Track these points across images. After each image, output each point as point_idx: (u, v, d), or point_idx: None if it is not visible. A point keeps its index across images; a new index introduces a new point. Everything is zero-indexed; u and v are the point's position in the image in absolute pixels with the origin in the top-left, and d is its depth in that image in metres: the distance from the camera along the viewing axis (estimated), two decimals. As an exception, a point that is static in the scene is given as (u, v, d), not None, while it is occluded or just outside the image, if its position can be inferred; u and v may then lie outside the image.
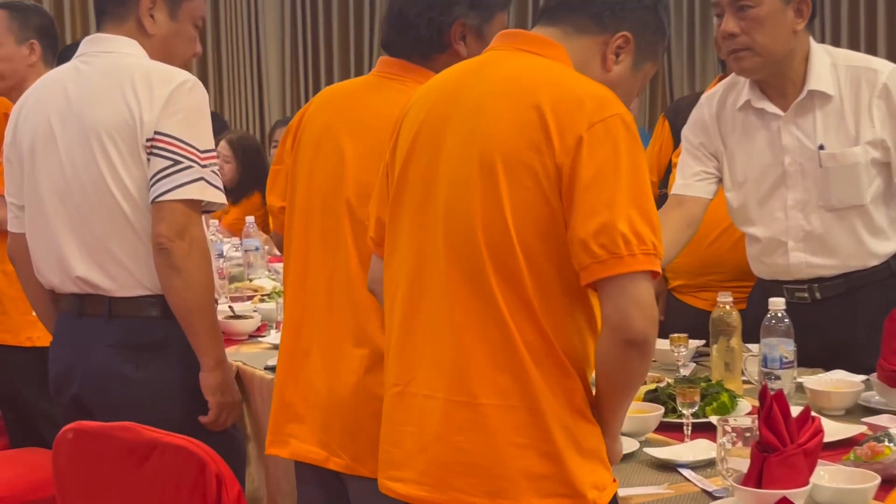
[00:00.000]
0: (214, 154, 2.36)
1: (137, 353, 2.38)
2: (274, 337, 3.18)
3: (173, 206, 2.31)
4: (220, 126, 6.61)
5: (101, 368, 2.38)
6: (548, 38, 1.78)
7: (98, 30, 2.51)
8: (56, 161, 2.41)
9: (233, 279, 4.16)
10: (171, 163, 2.31)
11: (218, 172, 2.37)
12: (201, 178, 2.33)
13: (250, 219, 4.74)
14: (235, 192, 5.65)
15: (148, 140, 2.32)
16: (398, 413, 1.74)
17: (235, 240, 5.09)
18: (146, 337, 2.39)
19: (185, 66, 2.52)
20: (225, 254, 4.52)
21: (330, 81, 8.74)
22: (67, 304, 2.45)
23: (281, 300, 3.55)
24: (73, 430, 2.02)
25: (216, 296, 2.50)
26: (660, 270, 1.64)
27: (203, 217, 2.43)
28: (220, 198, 2.38)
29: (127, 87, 2.35)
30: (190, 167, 2.32)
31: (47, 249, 2.45)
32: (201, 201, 2.35)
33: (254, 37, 8.55)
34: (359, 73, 8.77)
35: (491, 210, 1.65)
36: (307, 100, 8.55)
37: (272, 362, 2.82)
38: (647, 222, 1.61)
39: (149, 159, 2.32)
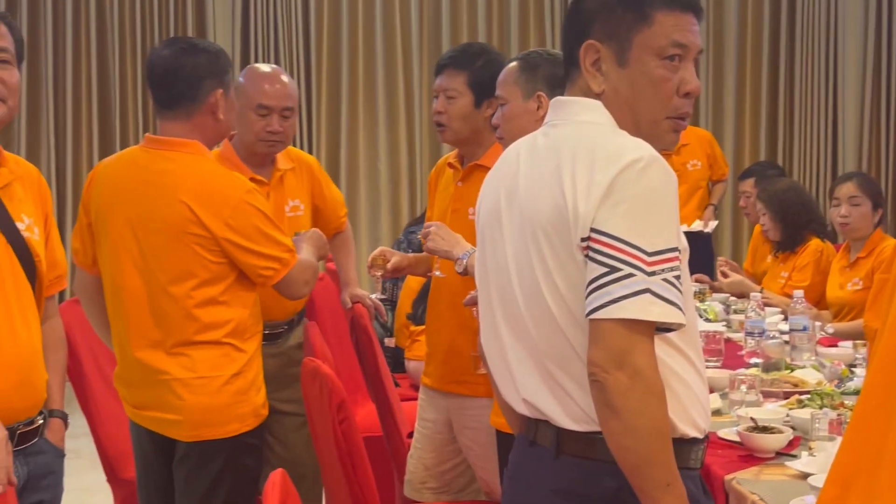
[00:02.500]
0: (671, 256, 1.77)
1: None
2: (806, 461, 2.56)
3: (608, 326, 1.74)
4: (776, 173, 6.05)
5: None
6: None
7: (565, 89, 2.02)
8: (502, 252, 1.98)
9: (769, 367, 3.55)
10: (606, 270, 1.75)
11: (677, 280, 1.77)
12: (646, 290, 1.73)
13: (799, 293, 4.11)
14: (782, 244, 5.26)
15: (583, 239, 1.79)
16: None
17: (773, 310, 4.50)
18: (594, 486, 1.86)
19: (668, 126, 1.93)
20: (767, 331, 3.95)
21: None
22: (524, 425, 2.01)
23: (826, 410, 2.94)
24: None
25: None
26: None
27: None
28: (674, 316, 1.74)
29: (566, 169, 1.83)
30: (631, 275, 1.73)
31: (498, 358, 2.03)
32: (648, 321, 1.76)
33: (830, 80, 7.82)
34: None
35: None
36: (886, 152, 7.91)
37: (797, 504, 2.22)
38: None
39: (586, 263, 1.80)
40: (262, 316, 3.09)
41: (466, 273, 3.02)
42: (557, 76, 2.88)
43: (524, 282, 1.91)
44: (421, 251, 3.72)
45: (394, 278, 3.56)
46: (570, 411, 1.87)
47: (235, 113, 3.07)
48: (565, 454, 1.89)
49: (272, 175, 3.62)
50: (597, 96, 1.93)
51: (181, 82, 2.91)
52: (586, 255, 1.79)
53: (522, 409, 1.97)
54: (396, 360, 5.31)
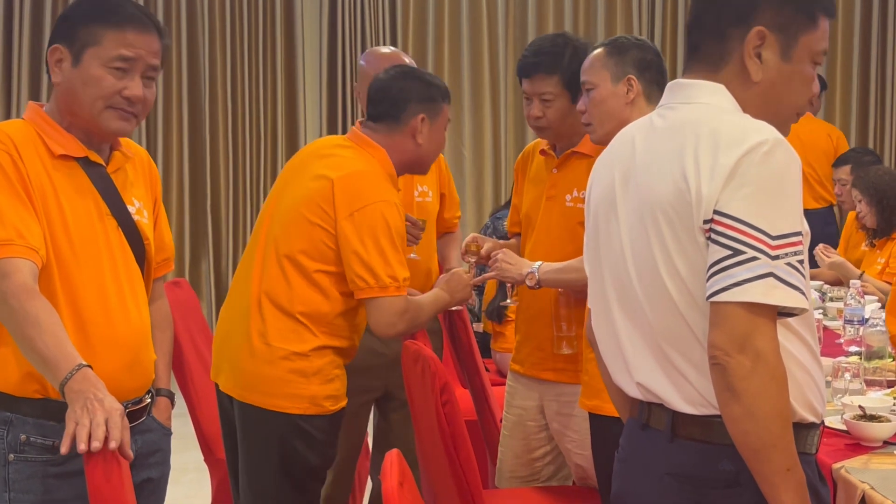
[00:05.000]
0: (795, 241, 1.77)
1: (701, 491, 1.87)
2: (916, 450, 2.51)
3: (730, 309, 1.74)
4: (872, 160, 5.91)
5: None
6: None
7: (683, 73, 2.01)
8: (616, 235, 1.97)
9: (871, 356, 3.48)
10: (730, 252, 1.75)
11: (800, 265, 1.77)
12: (769, 274, 1.73)
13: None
14: (878, 230, 5.18)
15: (706, 221, 1.79)
16: None
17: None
18: (711, 470, 1.85)
19: (796, 117, 1.97)
20: (867, 319, 3.88)
21: None
22: (636, 409, 2.01)
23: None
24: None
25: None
26: None
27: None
28: (797, 300, 1.75)
29: (688, 151, 1.83)
30: (754, 259, 1.73)
31: (610, 341, 2.03)
32: (771, 305, 1.76)
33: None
34: None
35: None
36: None
37: (909, 493, 2.18)
38: None
39: (707, 246, 1.79)
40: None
41: (540, 286, 3.07)
42: (646, 60, 2.96)
43: (640, 264, 1.90)
44: (506, 238, 3.75)
45: (485, 264, 3.58)
46: (686, 394, 1.87)
47: (438, 143, 3.18)
48: (680, 437, 1.88)
49: None
50: (751, 84, 1.91)
51: (387, 101, 3.11)
52: (708, 238, 1.79)
53: (635, 393, 1.97)
54: (484, 345, 5.31)
